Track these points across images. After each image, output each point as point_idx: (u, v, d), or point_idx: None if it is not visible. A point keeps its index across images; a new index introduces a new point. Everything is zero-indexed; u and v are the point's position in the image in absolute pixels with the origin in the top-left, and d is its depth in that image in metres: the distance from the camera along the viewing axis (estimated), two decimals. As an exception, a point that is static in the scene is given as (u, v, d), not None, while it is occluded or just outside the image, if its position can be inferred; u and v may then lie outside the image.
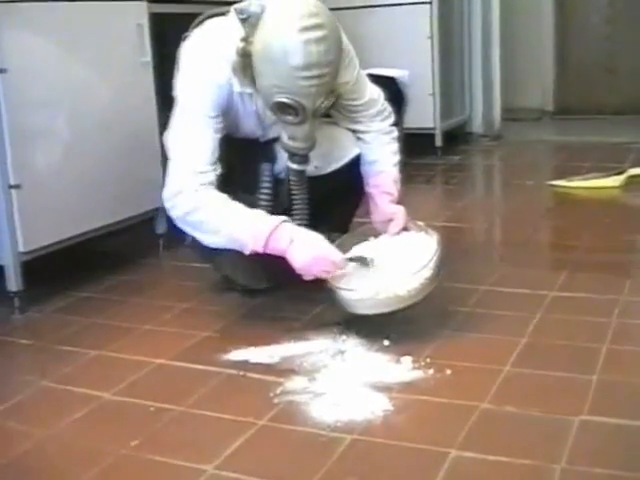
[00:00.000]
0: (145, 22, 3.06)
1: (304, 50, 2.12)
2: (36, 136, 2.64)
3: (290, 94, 2.18)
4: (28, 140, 2.60)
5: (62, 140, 2.74)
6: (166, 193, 2.35)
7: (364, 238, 2.51)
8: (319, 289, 2.34)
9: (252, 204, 2.38)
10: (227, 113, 2.40)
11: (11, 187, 2.55)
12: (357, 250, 2.47)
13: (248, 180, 2.50)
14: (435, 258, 2.27)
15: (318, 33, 2.13)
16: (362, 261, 2.37)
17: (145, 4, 3.07)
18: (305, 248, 2.25)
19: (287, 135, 2.30)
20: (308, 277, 2.29)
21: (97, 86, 2.87)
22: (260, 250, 2.26)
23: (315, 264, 2.26)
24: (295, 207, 2.45)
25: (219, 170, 2.35)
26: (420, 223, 2.52)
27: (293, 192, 2.45)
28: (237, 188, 2.43)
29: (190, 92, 2.35)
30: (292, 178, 2.43)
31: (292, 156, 2.35)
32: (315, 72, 2.15)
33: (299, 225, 2.37)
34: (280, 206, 2.47)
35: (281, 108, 2.22)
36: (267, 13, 2.21)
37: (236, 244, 2.30)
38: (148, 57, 3.07)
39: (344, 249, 2.43)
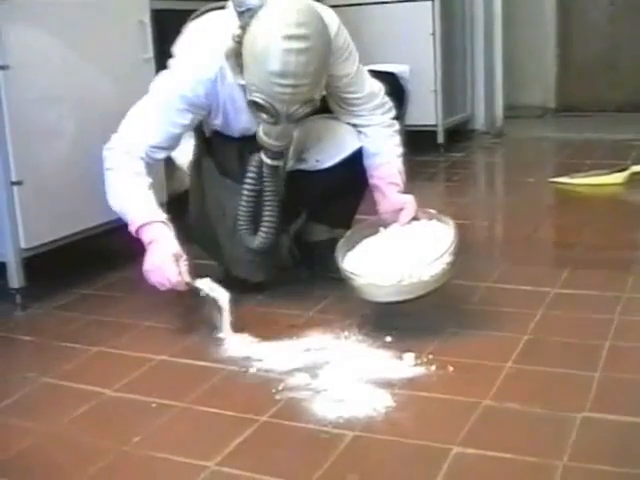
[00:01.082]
0: (147, 18, 3.06)
1: (283, 58, 2.13)
2: (38, 132, 2.63)
3: (264, 95, 2.21)
4: (30, 136, 2.60)
5: (64, 137, 2.73)
6: (107, 144, 2.46)
7: (374, 230, 2.50)
8: (321, 285, 2.34)
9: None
10: (213, 113, 2.44)
11: (13, 183, 2.55)
12: (369, 242, 2.46)
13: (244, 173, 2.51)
14: (454, 244, 2.27)
15: (301, 44, 2.14)
16: (210, 286, 2.39)
17: (147, 1, 3.07)
18: (152, 255, 2.35)
19: (262, 130, 2.32)
20: (150, 282, 2.37)
21: (99, 82, 2.87)
22: (133, 234, 2.39)
23: (153, 273, 2.35)
24: (265, 201, 2.47)
25: (160, 156, 2.49)
26: (431, 211, 2.51)
27: (265, 185, 2.46)
28: (232, 180, 2.51)
29: (168, 80, 2.41)
30: (265, 171, 2.43)
31: (265, 150, 2.37)
32: (290, 81, 2.16)
33: (268, 220, 2.46)
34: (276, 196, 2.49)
35: (256, 106, 2.25)
36: (264, 8, 2.21)
37: (125, 218, 2.42)
38: (150, 53, 3.06)
39: (353, 242, 2.44)
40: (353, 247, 2.44)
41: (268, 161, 2.39)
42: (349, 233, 2.49)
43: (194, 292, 2.38)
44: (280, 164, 2.44)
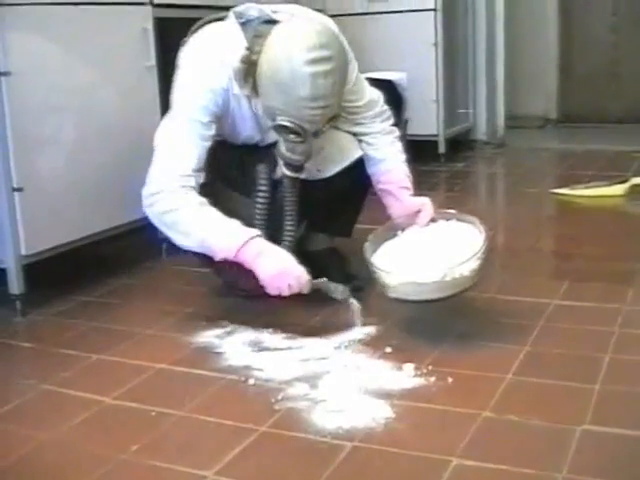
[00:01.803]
0: (150, 26, 3.06)
1: (312, 83, 2.14)
2: (39, 139, 2.64)
3: (294, 118, 2.21)
4: (31, 143, 2.60)
5: (65, 143, 2.73)
6: (145, 191, 2.36)
7: (393, 233, 2.50)
8: (321, 294, 2.34)
9: (249, 207, 2.43)
10: (223, 119, 2.42)
11: (14, 190, 2.55)
12: (392, 245, 2.46)
13: (246, 183, 2.51)
14: (487, 239, 2.30)
15: (327, 67, 2.15)
16: (328, 286, 2.38)
17: (150, 8, 3.07)
18: (271, 262, 2.28)
19: (285, 148, 2.32)
20: (272, 291, 2.31)
21: (101, 90, 2.87)
22: (230, 258, 2.28)
23: (280, 277, 2.28)
24: (286, 211, 2.46)
25: (202, 178, 2.37)
26: (450, 210, 2.53)
27: (285, 196, 2.46)
28: (236, 191, 2.45)
29: (185, 96, 2.37)
30: (285, 182, 2.44)
31: (287, 165, 2.37)
32: (321, 103, 2.18)
33: (289, 230, 2.45)
34: (278, 208, 2.48)
35: (283, 128, 2.25)
36: (276, 32, 2.22)
37: (207, 249, 2.32)
38: (152, 61, 3.07)
39: (374, 247, 2.43)
40: (374, 252, 2.43)
41: (289, 173, 2.38)
42: (370, 238, 2.46)
43: (316, 291, 2.36)
44: (300, 175, 2.43)
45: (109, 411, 2.01)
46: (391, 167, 2.59)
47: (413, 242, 2.45)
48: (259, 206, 2.46)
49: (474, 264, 2.24)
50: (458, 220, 2.48)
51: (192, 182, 2.33)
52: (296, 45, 2.16)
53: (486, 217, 3.91)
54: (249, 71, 2.27)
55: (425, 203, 2.51)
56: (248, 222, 2.35)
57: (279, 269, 2.28)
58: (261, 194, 2.46)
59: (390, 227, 2.54)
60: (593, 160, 5.01)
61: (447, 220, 2.49)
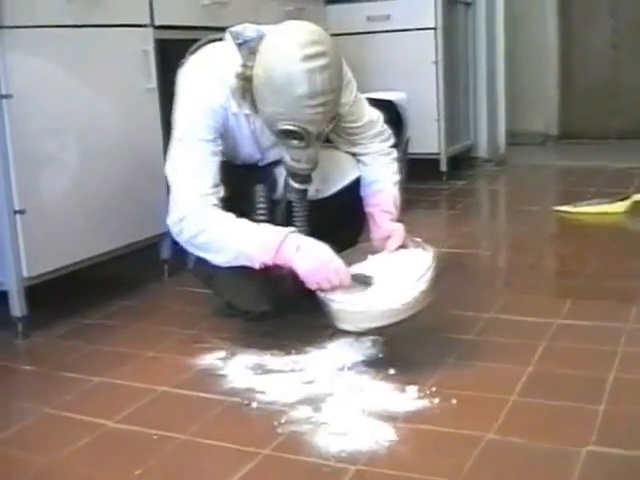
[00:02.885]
0: (151, 48, 3.06)
1: (309, 79, 2.13)
2: (41, 161, 2.63)
3: (295, 121, 2.20)
4: (33, 165, 2.60)
5: (67, 165, 2.73)
6: (171, 219, 2.36)
7: (363, 256, 2.50)
8: (323, 316, 2.33)
9: None
10: (225, 137, 2.41)
11: (16, 212, 2.55)
12: (357, 268, 2.45)
13: (246, 203, 2.50)
14: (430, 271, 2.25)
15: (321, 61, 2.14)
16: (365, 279, 2.35)
17: (151, 30, 3.08)
18: (311, 255, 2.26)
19: (290, 157, 2.31)
20: (312, 285, 2.28)
21: (102, 112, 2.87)
22: (269, 261, 2.27)
23: (319, 271, 2.26)
24: (296, 226, 2.44)
25: (222, 192, 2.36)
26: (417, 239, 2.50)
27: (294, 210, 2.45)
28: (235, 212, 2.45)
29: (187, 118, 2.38)
30: (294, 196, 2.43)
31: (294, 176, 2.36)
32: (320, 100, 2.17)
33: None
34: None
35: (286, 134, 2.23)
36: (267, 39, 2.23)
37: (245, 259, 2.29)
38: (154, 83, 3.07)
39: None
40: None
41: (296, 185, 2.37)
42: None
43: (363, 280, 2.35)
44: (308, 187, 2.42)
45: (111, 435, 1.99)
46: (380, 190, 2.58)
47: (372, 268, 2.43)
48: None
49: (408, 297, 2.19)
50: (423, 249, 2.44)
51: (213, 200, 2.33)
52: (288, 44, 2.16)
53: (488, 235, 3.94)
54: (246, 87, 2.27)
55: (396, 229, 2.49)
56: None
57: (318, 261, 2.26)
58: (260, 213, 2.46)
59: (362, 250, 2.55)
60: (594, 177, 5.01)
61: (415, 247, 2.47)
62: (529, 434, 1.85)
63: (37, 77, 2.61)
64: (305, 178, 2.37)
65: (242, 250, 2.29)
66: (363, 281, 2.35)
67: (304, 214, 2.46)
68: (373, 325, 2.22)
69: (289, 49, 2.15)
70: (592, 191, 4.46)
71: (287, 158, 2.32)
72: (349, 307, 2.23)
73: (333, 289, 2.27)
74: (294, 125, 2.20)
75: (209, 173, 2.34)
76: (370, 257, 2.49)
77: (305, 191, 2.43)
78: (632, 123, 6.42)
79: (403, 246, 2.47)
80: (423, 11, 4.97)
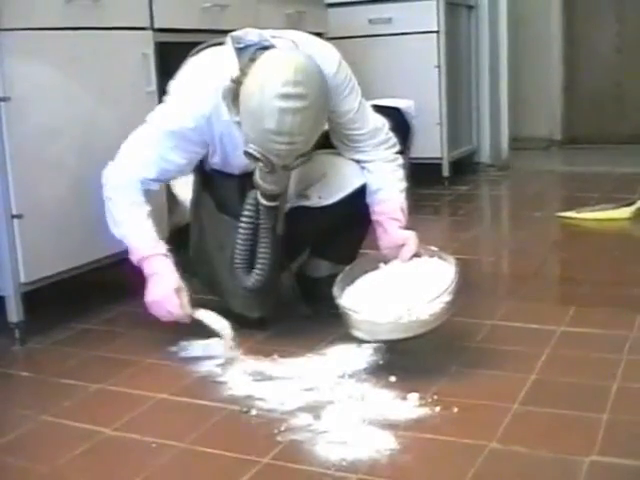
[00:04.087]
0: (150, 51, 3.05)
1: (279, 117, 2.13)
2: (39, 165, 2.61)
3: (261, 149, 2.21)
4: (31, 169, 2.58)
5: (65, 170, 2.71)
6: (105, 172, 2.51)
7: (375, 265, 2.48)
8: (324, 322, 2.32)
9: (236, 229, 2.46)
10: (211, 149, 2.45)
11: (13, 217, 2.52)
12: (370, 277, 2.45)
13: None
14: (455, 282, 2.25)
15: (297, 104, 2.13)
16: (210, 319, 2.51)
17: (151, 33, 3.06)
18: (154, 288, 2.44)
19: (258, 175, 2.32)
20: (153, 313, 2.47)
21: (102, 115, 2.85)
22: (136, 264, 2.46)
23: (156, 305, 2.45)
24: (261, 239, 2.44)
25: (151, 188, 2.50)
26: (433, 248, 2.49)
27: (261, 223, 2.43)
28: (229, 215, 2.54)
29: (161, 116, 2.45)
30: (261, 209, 2.41)
31: (262, 193, 2.36)
32: (287, 139, 2.17)
33: (263, 258, 2.44)
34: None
35: (251, 157, 2.25)
36: (265, 56, 2.22)
37: (128, 246, 2.48)
38: (153, 87, 3.05)
39: (353, 277, 2.43)
40: (352, 282, 2.43)
41: (264, 202, 2.37)
42: (349, 268, 2.47)
43: (197, 323, 2.47)
44: (277, 204, 2.41)
45: (109, 443, 1.97)
46: (386, 197, 2.55)
47: (387, 278, 2.42)
48: (241, 231, 2.44)
49: (435, 308, 2.19)
50: (440, 258, 2.44)
51: (138, 184, 2.46)
52: (271, 77, 2.15)
53: (491, 241, 3.93)
54: (237, 93, 2.25)
55: (409, 237, 2.48)
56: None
57: (160, 297, 2.43)
58: (245, 219, 2.44)
59: (373, 258, 2.53)
60: (599, 182, 4.99)
61: (431, 257, 2.46)
62: (532, 443, 1.83)
63: (35, 80, 2.59)
64: (271, 197, 2.37)
65: (124, 238, 2.47)
66: (209, 322, 2.50)
67: (269, 227, 2.43)
68: (398, 336, 2.21)
69: (271, 82, 2.14)
70: (596, 197, 4.45)
71: (256, 175, 2.33)
72: (376, 318, 2.21)
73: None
74: (258, 152, 2.22)
75: (152, 171, 2.46)
76: (382, 266, 2.48)
77: (275, 208, 2.41)
78: (637, 128, 6.41)
79: (416, 255, 2.46)
80: (425, 14, 4.97)
